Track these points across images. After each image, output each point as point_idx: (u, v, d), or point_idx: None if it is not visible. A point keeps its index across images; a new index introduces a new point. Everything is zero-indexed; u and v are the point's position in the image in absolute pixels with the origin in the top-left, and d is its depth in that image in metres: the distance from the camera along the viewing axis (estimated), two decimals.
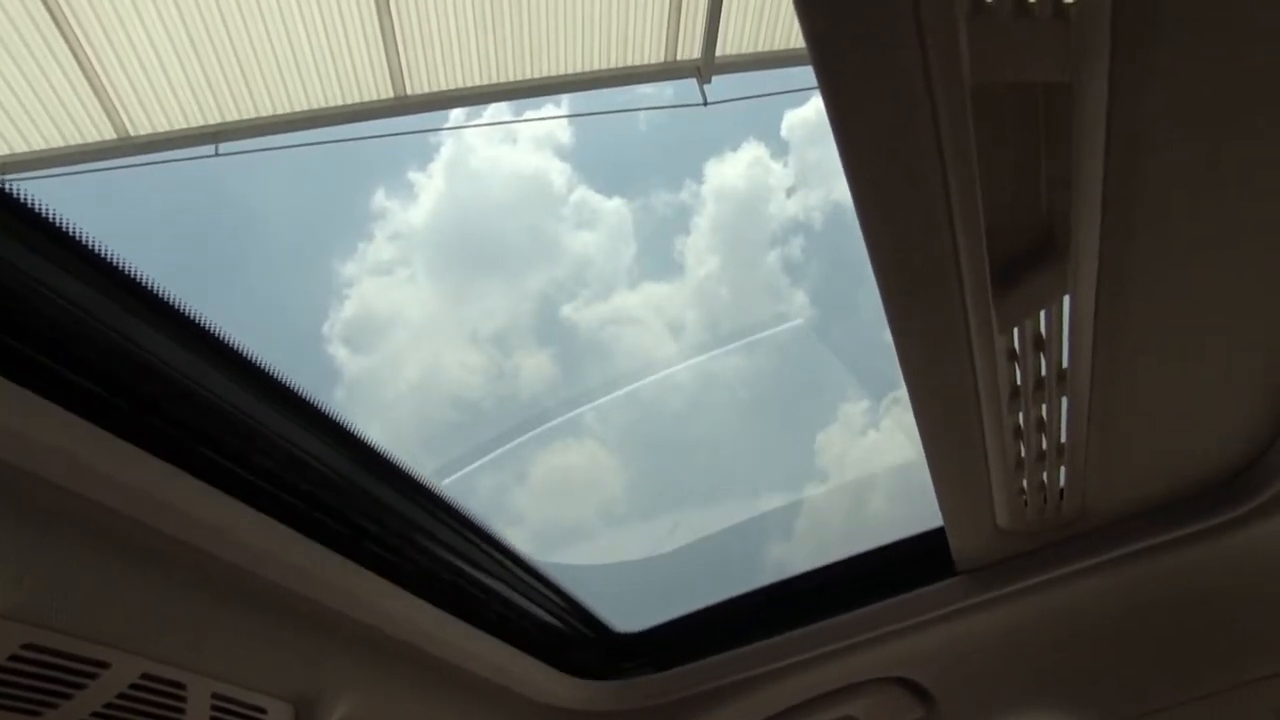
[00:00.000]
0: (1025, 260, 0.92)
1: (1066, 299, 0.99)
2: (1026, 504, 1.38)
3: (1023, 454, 1.24)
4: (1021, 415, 1.15)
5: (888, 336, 1.01)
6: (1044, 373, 1.10)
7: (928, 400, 1.12)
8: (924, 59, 0.71)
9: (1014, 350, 1.04)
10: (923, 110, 0.75)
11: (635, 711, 1.68)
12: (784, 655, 1.64)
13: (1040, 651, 1.70)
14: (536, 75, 7.18)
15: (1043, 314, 1.01)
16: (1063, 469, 1.32)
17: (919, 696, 1.73)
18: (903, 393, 1.10)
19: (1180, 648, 1.71)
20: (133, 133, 6.75)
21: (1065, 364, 1.09)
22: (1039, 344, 1.04)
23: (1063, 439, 1.24)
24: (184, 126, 6.83)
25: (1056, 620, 1.63)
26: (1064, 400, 1.15)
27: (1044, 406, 1.15)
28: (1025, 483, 1.32)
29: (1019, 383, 1.09)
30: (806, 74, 0.78)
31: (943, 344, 1.01)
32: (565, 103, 8.65)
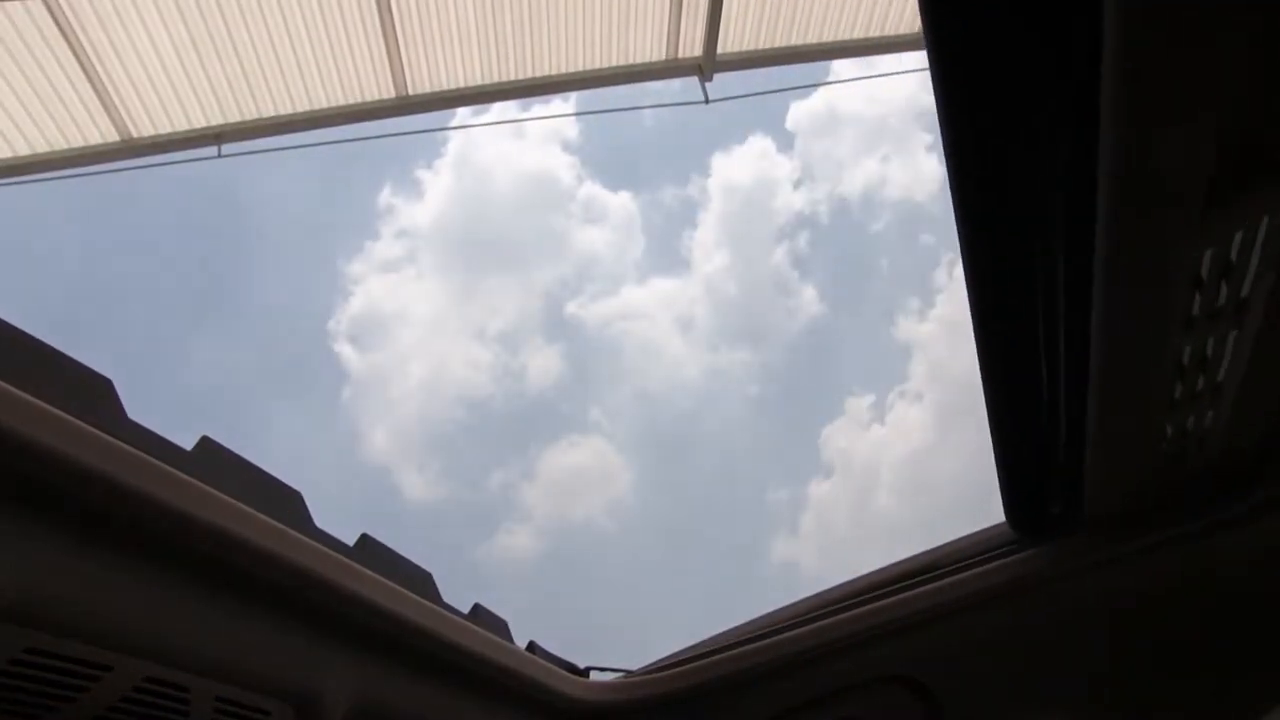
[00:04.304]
0: (1240, 178, 0.90)
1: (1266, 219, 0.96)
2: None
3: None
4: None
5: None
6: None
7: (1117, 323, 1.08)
8: None
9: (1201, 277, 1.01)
10: None
11: (639, 709, 1.68)
12: (786, 653, 1.64)
13: (1045, 652, 1.69)
14: (538, 74, 7.18)
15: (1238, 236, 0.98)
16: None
17: (922, 696, 1.72)
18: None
19: (1196, 650, 1.69)
20: (135, 135, 6.76)
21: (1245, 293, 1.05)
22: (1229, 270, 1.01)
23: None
24: (186, 128, 6.84)
25: (1063, 620, 1.62)
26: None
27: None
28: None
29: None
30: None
31: (1146, 260, 0.99)
32: (570, 99, 8.66)
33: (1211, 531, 1.50)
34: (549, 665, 1.57)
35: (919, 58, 8.11)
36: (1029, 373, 1.25)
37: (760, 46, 7.23)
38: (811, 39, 7.21)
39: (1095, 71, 0.82)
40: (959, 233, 1.08)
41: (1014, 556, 1.57)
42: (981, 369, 1.27)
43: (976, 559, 1.60)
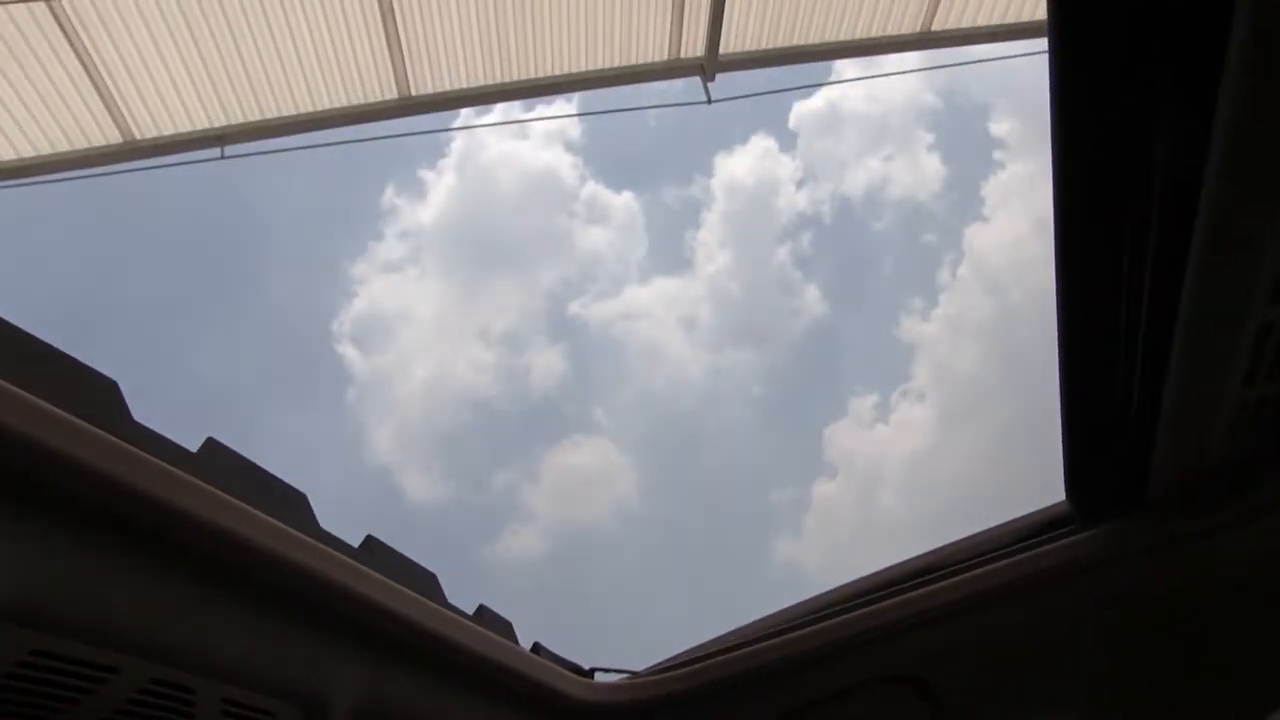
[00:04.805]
0: None
1: None
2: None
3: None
4: None
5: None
6: None
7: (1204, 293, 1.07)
8: None
9: None
10: None
11: (644, 710, 1.68)
12: (788, 653, 1.64)
13: (1057, 650, 1.68)
14: (540, 75, 7.18)
15: None
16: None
17: (926, 696, 1.72)
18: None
19: (1201, 649, 1.68)
20: (139, 136, 6.78)
21: None
22: None
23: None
24: (189, 130, 6.85)
25: (1086, 614, 1.61)
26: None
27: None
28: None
29: None
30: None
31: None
32: (573, 99, 8.67)
33: (1258, 516, 1.47)
34: (554, 666, 1.57)
35: (921, 57, 8.10)
36: (1108, 337, 1.24)
37: (763, 46, 7.24)
38: (814, 39, 7.21)
39: (1216, 46, 0.81)
40: (1054, 196, 1.07)
41: (1069, 539, 1.54)
42: (1060, 331, 1.25)
43: (1024, 544, 1.57)
